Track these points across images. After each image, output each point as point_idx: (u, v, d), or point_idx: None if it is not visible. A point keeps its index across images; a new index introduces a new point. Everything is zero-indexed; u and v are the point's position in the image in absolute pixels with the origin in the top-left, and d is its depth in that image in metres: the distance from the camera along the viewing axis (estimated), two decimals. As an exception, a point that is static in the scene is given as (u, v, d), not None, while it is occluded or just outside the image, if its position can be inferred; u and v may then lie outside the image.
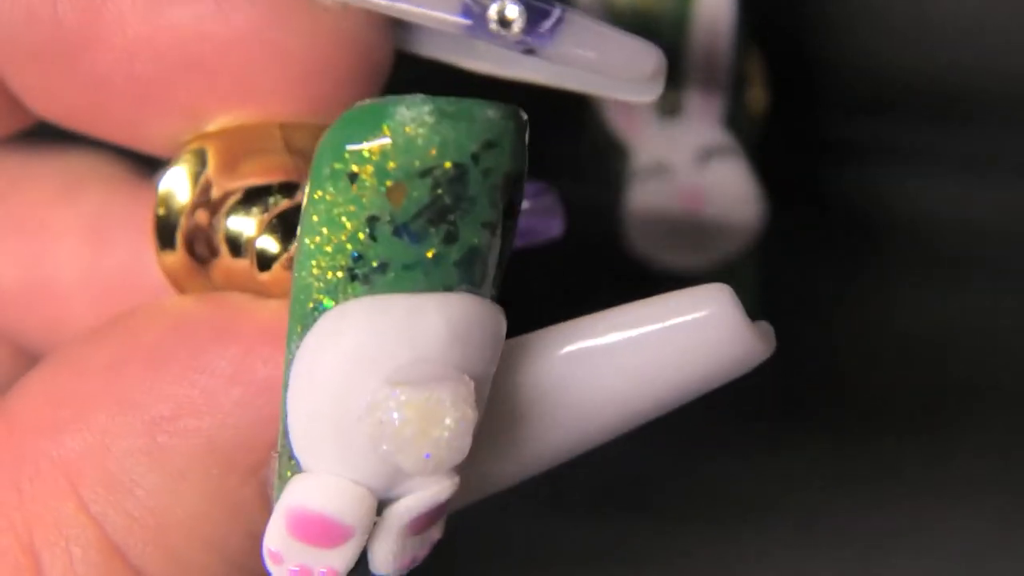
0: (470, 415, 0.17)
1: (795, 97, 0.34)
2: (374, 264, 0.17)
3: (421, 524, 0.18)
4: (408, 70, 0.22)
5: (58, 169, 0.24)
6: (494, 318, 0.18)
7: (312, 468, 0.18)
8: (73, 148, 0.24)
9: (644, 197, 0.31)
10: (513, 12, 0.20)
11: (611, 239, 0.31)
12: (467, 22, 0.20)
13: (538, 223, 0.22)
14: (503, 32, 0.20)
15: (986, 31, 0.34)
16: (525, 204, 0.20)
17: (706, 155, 0.31)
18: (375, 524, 0.18)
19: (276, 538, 0.18)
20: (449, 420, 0.17)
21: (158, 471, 0.20)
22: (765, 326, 0.19)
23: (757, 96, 0.33)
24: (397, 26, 0.21)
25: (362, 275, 0.17)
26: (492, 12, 0.20)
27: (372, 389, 0.17)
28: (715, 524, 0.33)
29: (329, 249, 0.17)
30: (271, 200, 0.20)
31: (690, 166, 0.31)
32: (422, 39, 0.23)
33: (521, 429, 0.19)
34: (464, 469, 0.18)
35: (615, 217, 0.31)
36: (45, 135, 0.23)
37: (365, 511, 0.18)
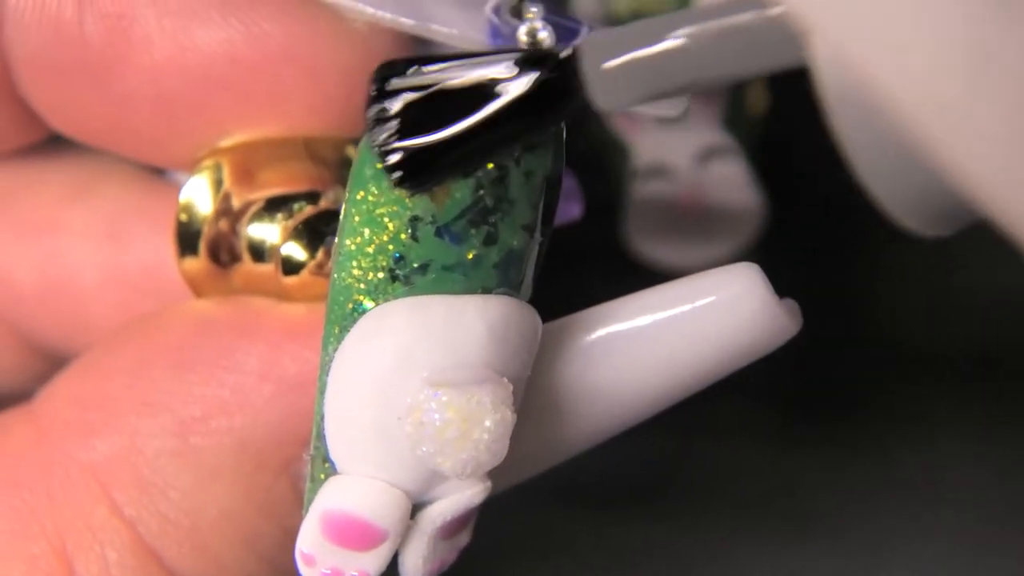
0: (508, 417, 0.17)
1: (795, 99, 0.34)
2: (415, 265, 0.17)
3: (453, 528, 0.18)
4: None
5: (71, 168, 0.24)
6: (530, 320, 0.18)
7: (348, 470, 0.18)
8: (85, 148, 0.24)
9: (644, 197, 0.31)
10: (544, 34, 0.20)
11: (611, 239, 0.31)
12: (494, 43, 0.20)
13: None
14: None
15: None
16: None
17: (706, 155, 0.31)
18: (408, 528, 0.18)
19: (310, 540, 0.18)
20: (489, 422, 0.17)
21: (191, 471, 0.20)
22: (791, 303, 0.19)
23: (757, 96, 0.33)
24: (420, 43, 0.21)
25: (403, 276, 0.17)
26: (522, 34, 0.20)
27: (413, 390, 0.17)
28: (715, 524, 0.33)
29: (371, 250, 0.18)
30: (295, 207, 0.20)
31: (690, 166, 0.31)
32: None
33: (552, 417, 0.19)
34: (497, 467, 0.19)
35: (615, 217, 0.31)
36: (56, 135, 0.23)
37: (401, 514, 0.18)
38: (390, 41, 0.20)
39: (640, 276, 0.31)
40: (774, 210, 0.31)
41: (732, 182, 0.31)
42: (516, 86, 0.17)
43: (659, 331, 0.19)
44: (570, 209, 0.22)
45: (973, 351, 0.35)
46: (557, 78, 0.17)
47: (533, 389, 0.19)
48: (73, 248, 0.24)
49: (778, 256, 0.32)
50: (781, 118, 0.33)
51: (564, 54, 0.17)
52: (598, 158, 0.32)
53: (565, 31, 0.21)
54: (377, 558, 0.18)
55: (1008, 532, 0.33)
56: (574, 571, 0.33)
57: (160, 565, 0.20)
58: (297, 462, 0.20)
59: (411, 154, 0.17)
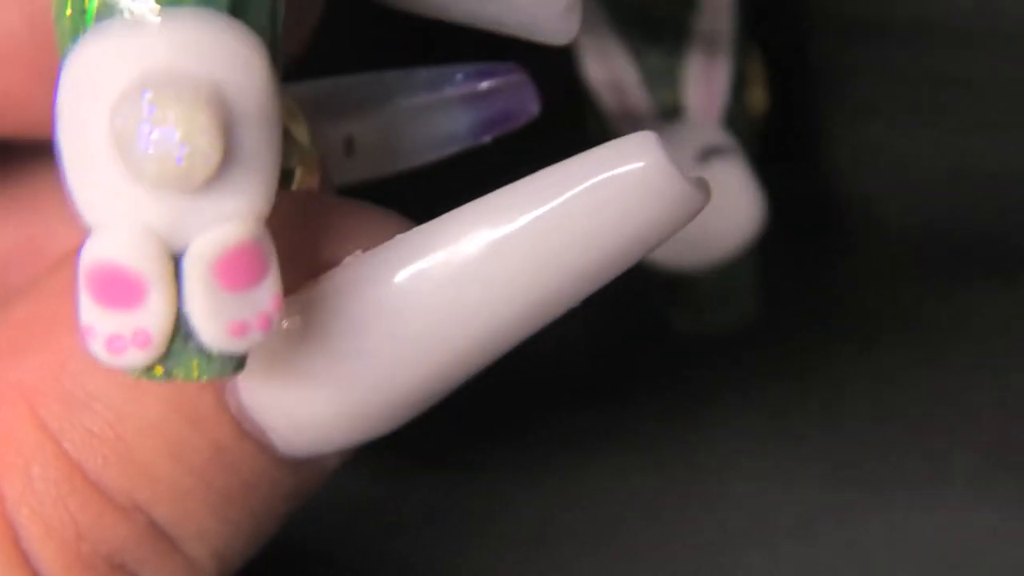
0: (219, 114, 0.17)
1: (795, 97, 0.34)
2: None
3: (229, 274, 0.18)
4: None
5: None
6: (236, 39, 0.17)
7: (92, 223, 0.18)
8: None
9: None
10: None
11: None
12: None
13: (513, 104, 0.22)
14: None
15: (987, 34, 0.34)
16: (495, 83, 0.19)
17: (706, 155, 0.31)
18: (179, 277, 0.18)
19: (84, 310, 0.18)
20: (203, 117, 0.17)
21: (115, 383, 0.20)
22: (700, 178, 0.18)
23: (757, 96, 0.33)
24: None
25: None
26: None
27: (118, 91, 0.17)
28: (714, 526, 0.33)
29: None
30: None
31: (690, 166, 0.31)
32: None
33: (466, 298, 0.19)
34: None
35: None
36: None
37: (150, 253, 0.17)
38: None
39: (640, 276, 0.31)
40: (774, 210, 0.31)
41: (732, 182, 0.31)
42: None
43: (553, 218, 0.18)
44: (526, 106, 0.22)
45: (974, 350, 0.35)
46: None
47: (425, 293, 0.19)
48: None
49: (778, 256, 0.32)
50: (781, 118, 0.33)
51: None
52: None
53: None
54: (150, 311, 0.17)
55: (1008, 530, 0.33)
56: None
57: (85, 478, 0.20)
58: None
59: None
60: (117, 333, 0.18)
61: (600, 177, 0.18)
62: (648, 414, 0.33)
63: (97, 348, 0.18)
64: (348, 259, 0.19)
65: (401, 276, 0.19)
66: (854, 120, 0.35)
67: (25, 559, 0.20)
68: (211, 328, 0.18)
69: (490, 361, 0.19)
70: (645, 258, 0.31)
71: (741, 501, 0.33)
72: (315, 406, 0.19)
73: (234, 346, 0.18)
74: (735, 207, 0.31)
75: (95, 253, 0.17)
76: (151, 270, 0.17)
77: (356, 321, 0.19)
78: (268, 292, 0.18)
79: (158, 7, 0.17)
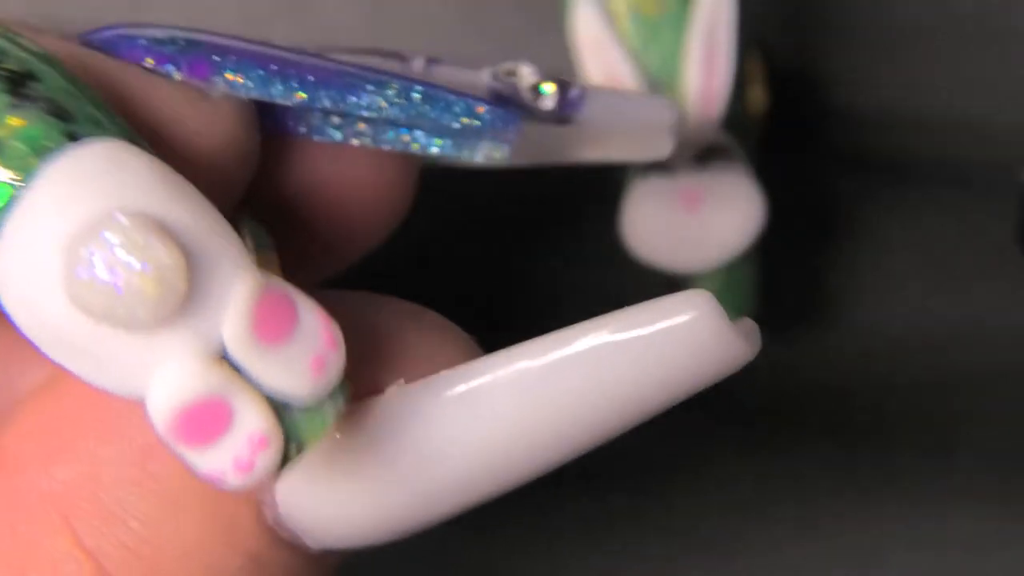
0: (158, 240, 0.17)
1: (795, 98, 0.34)
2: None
3: (268, 330, 0.17)
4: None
5: None
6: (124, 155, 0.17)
7: (130, 390, 0.17)
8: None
9: (644, 197, 0.31)
10: (549, 86, 0.21)
11: (611, 239, 0.31)
12: (498, 108, 0.21)
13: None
14: (538, 105, 0.21)
15: (987, 34, 0.34)
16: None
17: (706, 155, 0.31)
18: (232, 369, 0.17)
19: (199, 461, 0.17)
20: (156, 241, 0.17)
21: (151, 500, 0.19)
22: (749, 324, 0.19)
23: (757, 96, 0.33)
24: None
25: None
26: (525, 86, 0.21)
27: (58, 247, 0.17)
28: (715, 526, 0.33)
29: None
30: None
31: (690, 166, 0.31)
32: None
33: (507, 437, 0.19)
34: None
35: (615, 217, 0.31)
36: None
37: (213, 370, 0.17)
38: (248, 114, 0.20)
39: (639, 276, 0.31)
40: (774, 210, 0.31)
41: (732, 182, 0.31)
42: None
43: (609, 357, 0.18)
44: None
45: (974, 349, 0.35)
46: None
47: (489, 421, 0.19)
48: None
49: (778, 256, 0.32)
50: (781, 118, 0.33)
51: None
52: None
53: (563, 84, 0.21)
54: (249, 415, 0.17)
55: (1008, 531, 0.33)
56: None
57: None
58: (263, 490, 0.19)
59: None
60: (237, 456, 0.17)
61: (658, 327, 0.18)
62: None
63: (233, 483, 0.17)
64: (391, 388, 0.19)
65: (445, 404, 0.19)
66: (854, 119, 0.35)
67: None
68: (296, 380, 0.17)
69: (521, 484, 0.20)
70: (644, 258, 0.31)
71: (741, 501, 0.33)
72: (351, 514, 0.20)
73: (325, 382, 0.18)
74: (735, 207, 0.31)
75: (170, 404, 0.17)
76: (223, 383, 0.17)
77: (396, 440, 0.19)
78: (315, 325, 0.18)
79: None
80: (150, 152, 0.18)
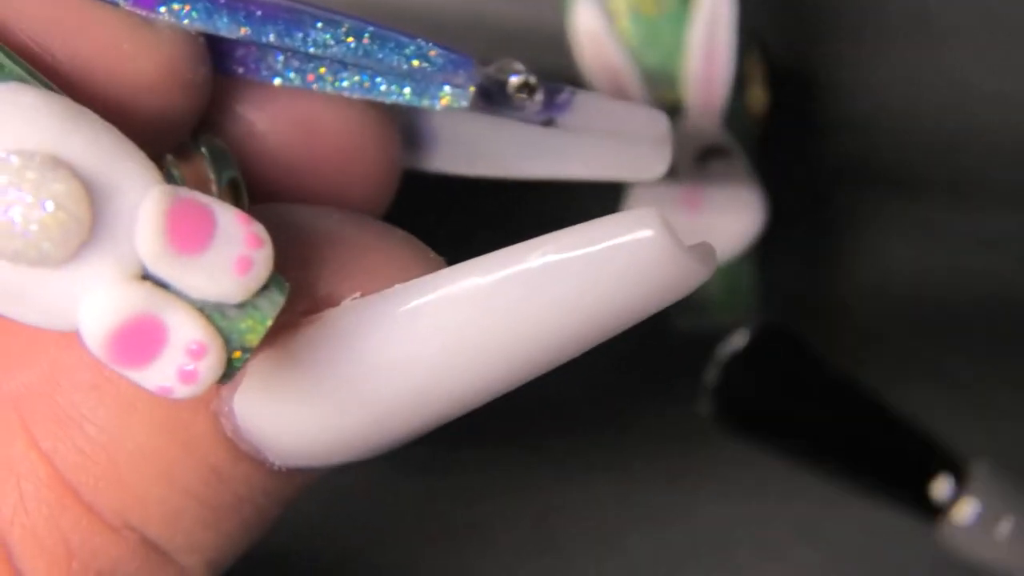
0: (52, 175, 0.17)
1: (795, 98, 0.34)
2: None
3: (184, 238, 0.18)
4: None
5: None
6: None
7: (58, 323, 0.18)
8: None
9: (644, 197, 0.31)
10: (534, 80, 0.21)
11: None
12: (485, 105, 0.21)
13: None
14: (524, 103, 0.21)
15: (987, 35, 0.34)
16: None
17: (706, 155, 0.31)
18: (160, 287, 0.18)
19: (143, 378, 0.18)
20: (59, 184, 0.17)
21: (108, 405, 0.19)
22: (706, 247, 0.19)
23: (757, 96, 0.33)
24: (404, 148, 0.22)
25: None
26: (512, 84, 0.21)
27: None
28: (715, 526, 0.33)
29: None
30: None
31: (690, 166, 0.31)
32: (424, 155, 0.23)
33: (456, 354, 0.19)
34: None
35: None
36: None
37: (136, 288, 0.17)
38: (195, 47, 0.20)
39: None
40: (774, 211, 0.31)
41: (732, 182, 0.31)
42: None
43: (561, 273, 0.18)
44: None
45: (974, 347, 0.35)
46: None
47: (439, 337, 0.19)
48: None
49: (778, 256, 0.32)
50: (781, 122, 0.33)
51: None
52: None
53: (551, 87, 0.21)
54: (183, 327, 0.18)
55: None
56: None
57: (77, 499, 0.20)
58: (217, 398, 0.19)
59: None
60: (180, 367, 0.18)
61: (605, 244, 0.18)
62: (648, 413, 0.33)
63: (182, 393, 0.18)
64: (347, 302, 0.20)
65: (397, 319, 0.19)
66: (855, 118, 0.35)
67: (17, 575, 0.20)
68: (222, 283, 0.18)
69: (478, 404, 0.20)
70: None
71: (742, 501, 0.33)
72: (310, 429, 0.20)
73: (252, 280, 0.18)
74: (735, 207, 0.31)
75: (101, 331, 0.17)
76: (149, 300, 0.17)
77: (351, 355, 0.19)
78: (234, 227, 0.18)
79: None
80: (48, 88, 0.18)
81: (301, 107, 0.22)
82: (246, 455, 0.20)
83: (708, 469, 0.34)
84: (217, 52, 0.21)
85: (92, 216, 0.17)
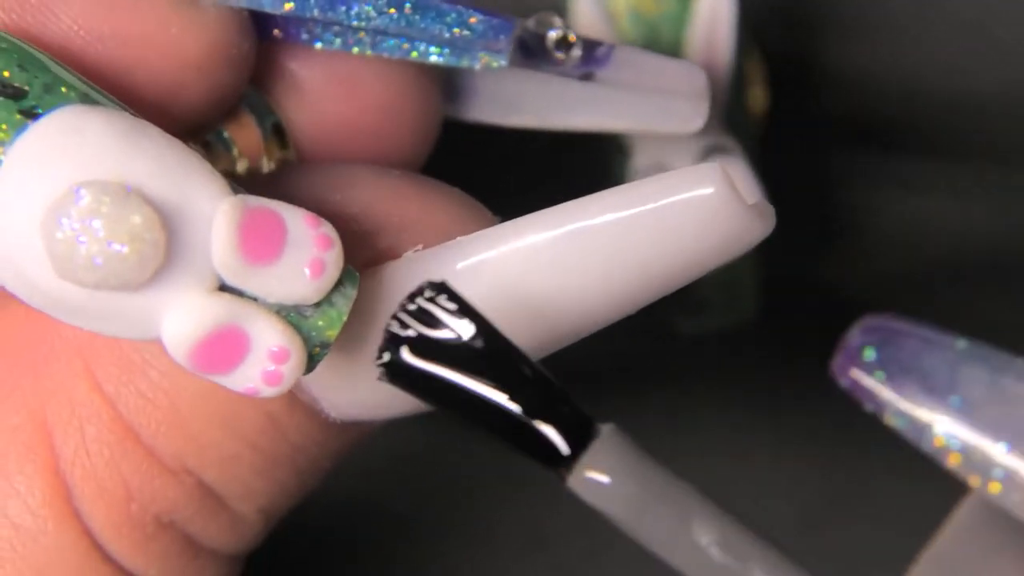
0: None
1: (795, 99, 0.34)
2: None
3: (257, 248, 0.18)
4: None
5: None
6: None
7: (144, 334, 0.18)
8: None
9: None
10: (573, 35, 0.21)
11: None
12: (523, 58, 0.21)
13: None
14: (564, 56, 0.21)
15: (987, 35, 0.34)
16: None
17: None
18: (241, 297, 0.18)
19: (229, 381, 0.18)
20: (136, 215, 0.17)
21: None
22: (764, 204, 0.19)
23: (757, 96, 0.33)
24: (444, 97, 0.23)
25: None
26: (551, 39, 0.21)
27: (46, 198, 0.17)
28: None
29: None
30: None
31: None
32: (463, 106, 0.23)
33: (517, 306, 0.19)
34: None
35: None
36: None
37: (219, 301, 0.18)
38: (239, 23, 0.21)
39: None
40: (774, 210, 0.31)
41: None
42: (518, 432, 0.17)
43: (619, 230, 0.18)
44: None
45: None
46: (547, 455, 0.17)
47: (509, 285, 0.19)
48: None
49: (778, 256, 0.32)
50: (781, 120, 0.33)
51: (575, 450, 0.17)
52: (598, 158, 0.32)
53: (590, 41, 0.22)
54: (266, 332, 0.18)
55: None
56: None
57: (138, 442, 0.20)
58: None
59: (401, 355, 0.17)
60: (264, 370, 0.18)
61: (669, 199, 0.18)
62: (649, 413, 0.33)
63: (268, 393, 0.18)
64: (408, 254, 0.20)
65: (459, 273, 0.19)
66: (855, 119, 0.35)
67: (76, 516, 0.20)
68: (298, 287, 0.18)
69: (540, 357, 0.20)
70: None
71: (742, 501, 0.33)
72: (366, 381, 0.20)
73: (326, 281, 0.18)
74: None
75: (185, 344, 0.18)
76: (229, 311, 0.18)
77: None
78: (304, 231, 0.18)
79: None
80: (108, 103, 0.18)
81: (343, 64, 0.22)
82: (302, 405, 0.20)
83: (709, 469, 0.34)
84: (257, 18, 0.21)
85: (168, 239, 0.17)
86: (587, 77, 0.22)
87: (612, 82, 0.22)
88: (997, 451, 0.17)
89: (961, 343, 0.18)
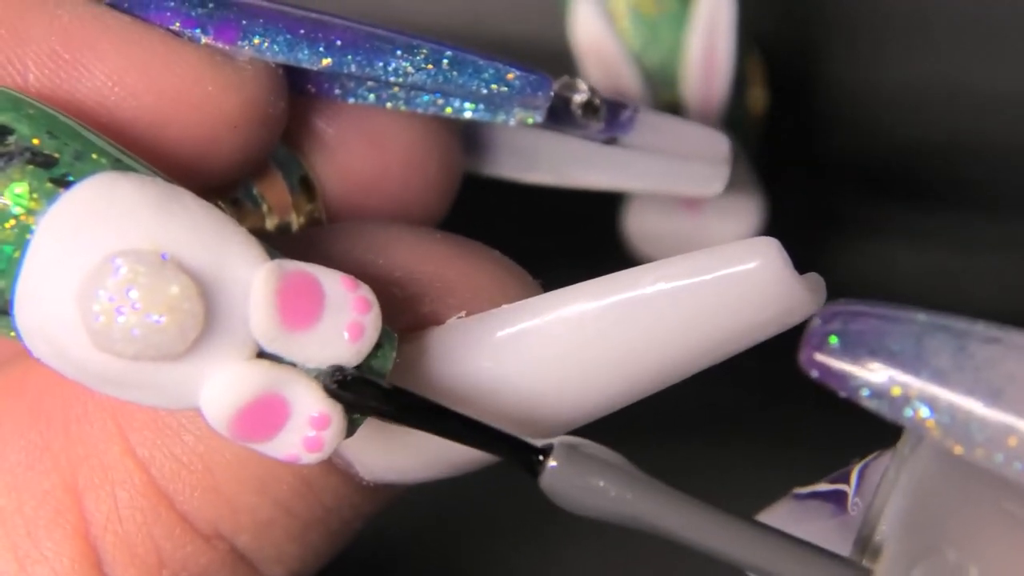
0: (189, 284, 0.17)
1: (795, 98, 0.34)
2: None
3: (295, 313, 0.18)
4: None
5: None
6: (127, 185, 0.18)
7: (187, 402, 0.18)
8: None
9: (644, 198, 0.31)
10: (598, 101, 0.21)
11: (611, 238, 0.31)
12: (551, 123, 0.21)
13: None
14: (588, 122, 0.21)
15: (987, 34, 0.34)
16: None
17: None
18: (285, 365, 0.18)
19: (269, 449, 0.18)
20: (175, 285, 0.17)
21: None
22: (815, 278, 0.19)
23: (757, 96, 0.33)
24: (465, 151, 0.23)
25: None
26: (576, 103, 0.21)
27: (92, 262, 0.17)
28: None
29: None
30: None
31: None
32: (483, 160, 0.23)
33: (562, 376, 0.19)
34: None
35: (615, 218, 0.31)
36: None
37: (261, 368, 0.17)
38: (275, 81, 0.20)
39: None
40: (773, 210, 0.31)
41: (732, 183, 0.31)
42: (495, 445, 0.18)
43: (672, 301, 0.18)
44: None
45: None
46: (528, 462, 0.18)
47: (554, 355, 0.19)
48: None
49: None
50: (782, 124, 0.33)
51: (543, 449, 0.18)
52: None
53: (614, 104, 0.22)
54: (306, 401, 0.18)
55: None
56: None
57: (171, 508, 0.20)
58: None
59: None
60: (304, 438, 0.18)
61: (722, 272, 0.18)
62: (649, 413, 0.33)
63: (309, 460, 0.18)
64: (451, 321, 0.20)
65: (502, 342, 0.19)
66: (855, 120, 0.35)
67: None
68: (338, 351, 0.18)
69: (573, 428, 0.20)
70: (645, 258, 0.31)
71: (742, 500, 0.33)
72: (402, 447, 0.20)
73: (366, 344, 0.18)
74: (735, 208, 0.31)
75: (225, 414, 0.17)
76: (268, 379, 0.18)
77: (452, 374, 0.19)
78: (342, 294, 0.18)
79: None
80: (139, 166, 0.18)
81: (369, 120, 0.22)
82: (337, 469, 0.20)
83: (710, 469, 0.34)
84: (290, 72, 0.21)
85: (206, 308, 0.17)
86: (611, 141, 0.22)
87: (635, 146, 0.22)
88: (975, 416, 0.17)
89: (921, 316, 0.18)
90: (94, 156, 0.18)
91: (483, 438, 0.18)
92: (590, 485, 0.18)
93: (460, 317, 0.20)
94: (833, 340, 0.18)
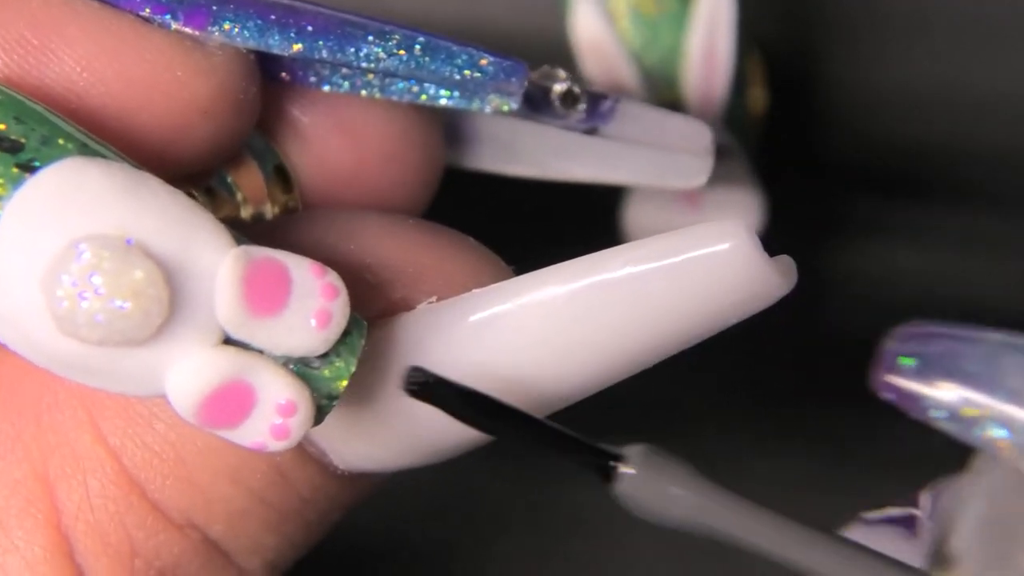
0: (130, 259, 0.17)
1: (795, 98, 0.34)
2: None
3: (261, 298, 0.18)
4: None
5: None
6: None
7: (151, 390, 0.18)
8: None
9: (644, 198, 0.31)
10: (578, 90, 0.21)
11: (611, 238, 0.31)
12: (528, 111, 0.21)
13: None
14: (568, 111, 0.21)
15: (987, 34, 0.34)
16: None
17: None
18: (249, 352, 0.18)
19: (237, 437, 0.18)
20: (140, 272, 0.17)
21: None
22: (786, 260, 0.19)
23: (757, 96, 0.33)
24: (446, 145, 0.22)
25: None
26: (556, 92, 0.21)
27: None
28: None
29: None
30: None
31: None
32: (464, 153, 0.23)
33: (536, 360, 0.19)
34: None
35: (615, 218, 0.31)
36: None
37: (225, 354, 0.17)
38: (247, 66, 0.20)
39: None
40: (773, 210, 0.31)
41: (732, 182, 0.31)
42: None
43: (644, 283, 0.18)
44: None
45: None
46: (603, 467, 0.18)
47: (517, 340, 0.19)
48: None
49: (776, 255, 0.32)
50: (783, 127, 0.33)
51: (619, 455, 0.18)
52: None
53: (595, 95, 0.22)
54: (272, 387, 0.18)
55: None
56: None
57: (143, 496, 0.20)
58: None
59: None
60: (271, 425, 0.18)
61: (691, 254, 0.18)
62: (649, 412, 0.33)
63: (276, 448, 0.18)
64: (422, 306, 0.20)
65: (473, 327, 0.19)
66: (855, 120, 0.35)
67: (79, 572, 0.20)
68: (305, 339, 0.18)
69: (546, 413, 0.19)
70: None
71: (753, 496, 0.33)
72: (377, 434, 0.20)
73: (333, 331, 0.18)
74: (735, 207, 0.31)
75: (190, 400, 0.17)
76: (234, 365, 0.18)
77: (423, 360, 0.19)
78: (310, 281, 0.18)
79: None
80: (108, 154, 0.18)
81: (346, 108, 0.22)
82: (312, 458, 0.20)
83: (711, 469, 0.34)
84: (263, 59, 0.21)
85: (171, 294, 0.17)
86: (591, 132, 0.22)
87: (616, 137, 0.22)
88: None
89: (994, 335, 0.18)
90: (61, 141, 0.18)
91: (556, 442, 0.18)
92: (667, 493, 0.17)
93: (431, 302, 0.19)
94: (907, 362, 0.18)
